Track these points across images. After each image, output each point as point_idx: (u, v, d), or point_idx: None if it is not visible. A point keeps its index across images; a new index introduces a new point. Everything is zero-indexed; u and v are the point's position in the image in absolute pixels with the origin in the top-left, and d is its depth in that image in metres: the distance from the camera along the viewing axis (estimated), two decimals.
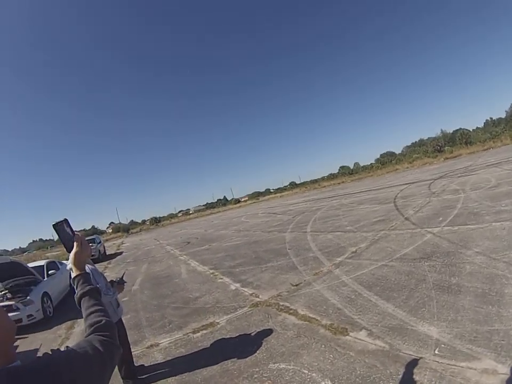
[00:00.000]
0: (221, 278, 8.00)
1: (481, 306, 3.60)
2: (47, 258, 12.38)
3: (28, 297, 7.25)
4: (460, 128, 56.73)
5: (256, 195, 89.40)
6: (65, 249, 1.29)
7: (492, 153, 22.31)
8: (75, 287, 1.21)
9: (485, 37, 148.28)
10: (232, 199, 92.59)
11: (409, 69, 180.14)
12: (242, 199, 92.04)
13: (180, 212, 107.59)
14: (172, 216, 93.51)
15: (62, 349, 0.89)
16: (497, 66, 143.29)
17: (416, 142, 79.83)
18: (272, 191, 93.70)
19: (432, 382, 2.64)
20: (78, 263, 1.24)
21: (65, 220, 1.27)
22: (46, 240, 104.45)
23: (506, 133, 39.22)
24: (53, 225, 1.24)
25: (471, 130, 57.88)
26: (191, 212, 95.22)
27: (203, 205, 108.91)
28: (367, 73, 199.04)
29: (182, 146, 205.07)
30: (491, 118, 69.27)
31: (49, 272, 9.12)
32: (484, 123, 71.89)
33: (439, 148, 48.67)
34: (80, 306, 1.16)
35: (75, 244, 1.26)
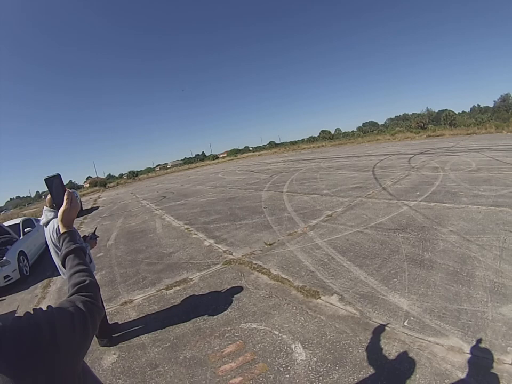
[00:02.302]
0: (195, 234, 7.95)
1: (451, 285, 3.68)
2: (24, 216, 11.92)
3: (4, 258, 6.96)
4: (446, 109, 56.78)
5: (234, 152, 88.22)
6: (54, 205, 1.32)
7: (475, 138, 22.38)
8: (60, 245, 1.19)
9: (486, 26, 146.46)
10: (211, 155, 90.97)
11: (403, 44, 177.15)
12: (221, 156, 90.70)
13: (157, 166, 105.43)
14: (149, 170, 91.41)
15: (44, 308, 0.88)
16: (493, 58, 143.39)
17: (400, 115, 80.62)
18: (251, 149, 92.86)
19: (400, 353, 2.71)
20: (66, 220, 1.23)
21: (58, 175, 1.27)
22: (24, 197, 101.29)
23: (492, 122, 39.62)
24: (45, 179, 1.25)
25: (456, 113, 58.13)
26: (168, 167, 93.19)
27: (181, 160, 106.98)
28: (361, 42, 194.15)
29: (162, 101, 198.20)
30: (478, 105, 70.37)
31: (25, 230, 8.87)
32: (471, 108, 73.03)
33: (422, 124, 48.72)
34: (64, 265, 1.15)
35: (65, 200, 1.24)
